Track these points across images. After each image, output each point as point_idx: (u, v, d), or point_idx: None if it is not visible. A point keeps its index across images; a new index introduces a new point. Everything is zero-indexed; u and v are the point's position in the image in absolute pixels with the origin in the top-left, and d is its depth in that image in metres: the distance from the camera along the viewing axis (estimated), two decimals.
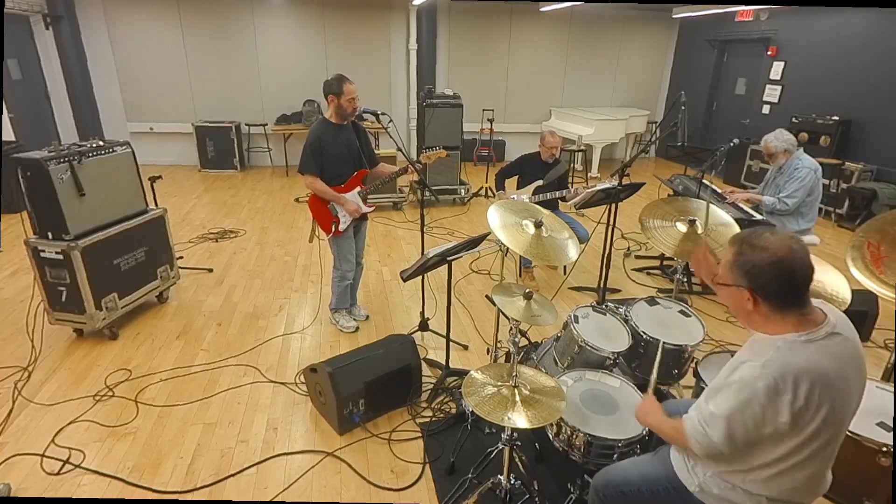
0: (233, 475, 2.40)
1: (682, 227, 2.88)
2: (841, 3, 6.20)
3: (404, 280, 2.81)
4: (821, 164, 4.04)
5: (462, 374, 2.98)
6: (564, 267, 4.60)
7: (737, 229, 2.83)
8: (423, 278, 3.21)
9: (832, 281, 2.31)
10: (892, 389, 2.25)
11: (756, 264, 1.35)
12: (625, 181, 3.74)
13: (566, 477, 2.26)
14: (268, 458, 2.51)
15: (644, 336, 2.53)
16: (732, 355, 2.25)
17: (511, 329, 2.18)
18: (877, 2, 4.86)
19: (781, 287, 1.35)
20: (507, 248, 2.44)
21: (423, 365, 3.07)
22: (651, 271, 4.76)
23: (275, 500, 2.29)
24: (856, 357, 1.38)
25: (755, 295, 1.37)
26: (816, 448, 1.36)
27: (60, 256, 3.15)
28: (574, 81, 9.59)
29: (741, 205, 4.07)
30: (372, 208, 3.47)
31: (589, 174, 8.60)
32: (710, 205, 2.80)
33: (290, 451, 2.56)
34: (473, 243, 2.84)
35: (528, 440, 2.52)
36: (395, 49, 8.71)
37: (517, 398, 1.86)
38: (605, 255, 3.84)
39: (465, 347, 3.48)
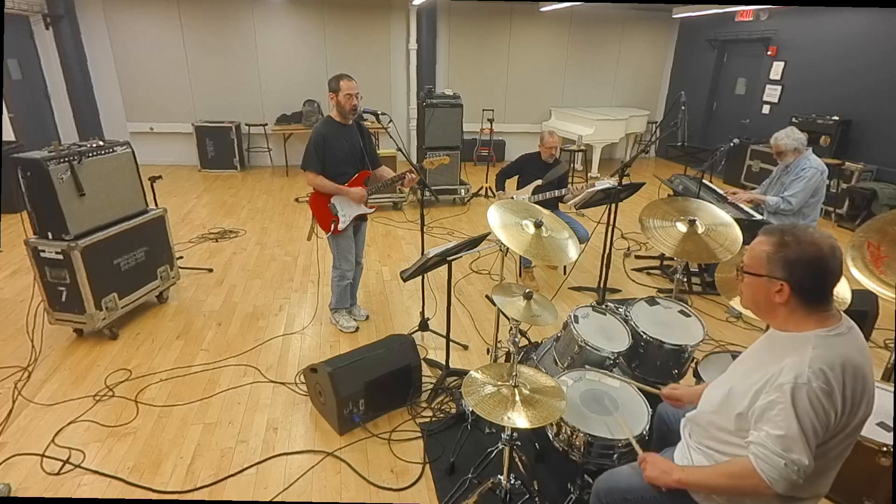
0: (233, 475, 2.40)
1: (682, 227, 2.88)
2: (841, 3, 6.20)
3: (404, 280, 2.81)
4: None
5: (462, 374, 2.98)
6: (564, 267, 4.60)
7: (737, 229, 2.83)
8: (423, 278, 3.21)
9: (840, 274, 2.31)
10: (892, 389, 2.25)
11: (800, 258, 1.31)
12: (625, 181, 3.74)
13: (566, 477, 2.26)
14: (268, 458, 2.51)
15: (644, 336, 2.53)
16: (733, 356, 2.26)
17: (511, 329, 2.18)
18: (877, 2, 4.86)
19: (818, 285, 1.34)
20: (507, 248, 2.44)
21: (423, 365, 3.07)
22: (651, 271, 4.76)
23: (275, 500, 2.29)
24: (866, 345, 1.40)
25: (791, 289, 1.33)
26: (853, 439, 1.36)
27: (60, 256, 3.15)
28: (574, 81, 9.59)
29: (741, 205, 4.07)
30: (373, 209, 3.47)
31: (589, 174, 8.60)
32: (710, 205, 2.81)
33: (290, 451, 2.56)
34: (473, 243, 2.84)
35: (528, 440, 2.52)
36: (395, 49, 8.71)
37: (517, 398, 1.86)
38: (605, 255, 3.84)
39: (465, 347, 3.48)
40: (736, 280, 1.48)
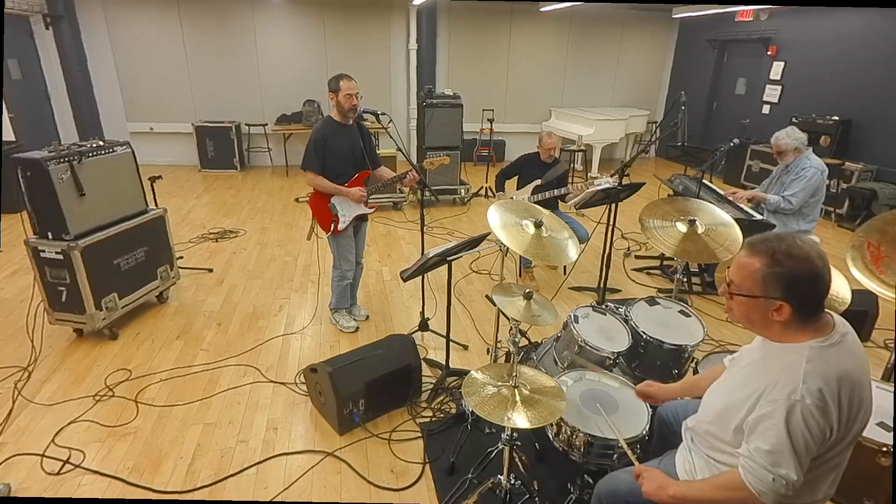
0: (233, 475, 2.40)
1: (682, 227, 2.88)
2: (841, 3, 6.20)
3: (404, 280, 2.80)
4: None
5: (462, 374, 2.98)
6: (564, 267, 4.60)
7: (737, 229, 2.83)
8: (423, 278, 3.21)
9: (832, 281, 2.31)
10: (892, 389, 2.25)
11: (797, 276, 1.27)
12: (625, 181, 3.74)
13: (566, 477, 2.26)
14: (268, 458, 2.51)
15: (644, 336, 2.53)
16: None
17: (511, 329, 2.18)
18: (877, 2, 4.86)
19: (816, 297, 1.31)
20: (507, 248, 2.44)
21: (423, 365, 3.06)
22: (651, 271, 4.76)
23: (275, 500, 2.29)
24: (862, 349, 1.38)
25: (791, 306, 1.29)
26: (849, 451, 1.35)
27: (60, 256, 3.15)
28: (574, 81, 9.59)
29: (741, 204, 4.07)
30: (373, 209, 3.47)
31: (589, 174, 8.60)
32: (710, 205, 2.80)
33: (290, 451, 2.56)
34: (473, 243, 2.84)
35: (528, 440, 2.52)
36: (395, 49, 8.71)
37: (517, 398, 1.86)
38: (605, 255, 3.84)
39: (465, 347, 3.48)
40: (724, 296, 1.43)
